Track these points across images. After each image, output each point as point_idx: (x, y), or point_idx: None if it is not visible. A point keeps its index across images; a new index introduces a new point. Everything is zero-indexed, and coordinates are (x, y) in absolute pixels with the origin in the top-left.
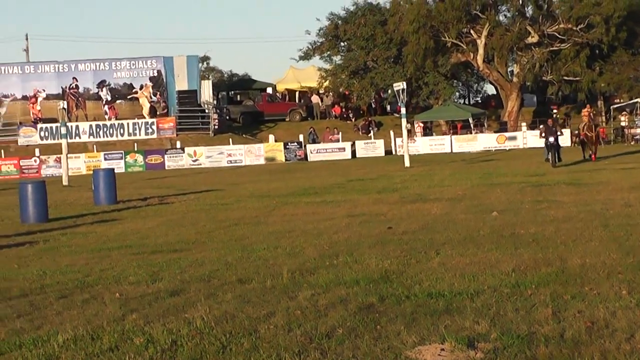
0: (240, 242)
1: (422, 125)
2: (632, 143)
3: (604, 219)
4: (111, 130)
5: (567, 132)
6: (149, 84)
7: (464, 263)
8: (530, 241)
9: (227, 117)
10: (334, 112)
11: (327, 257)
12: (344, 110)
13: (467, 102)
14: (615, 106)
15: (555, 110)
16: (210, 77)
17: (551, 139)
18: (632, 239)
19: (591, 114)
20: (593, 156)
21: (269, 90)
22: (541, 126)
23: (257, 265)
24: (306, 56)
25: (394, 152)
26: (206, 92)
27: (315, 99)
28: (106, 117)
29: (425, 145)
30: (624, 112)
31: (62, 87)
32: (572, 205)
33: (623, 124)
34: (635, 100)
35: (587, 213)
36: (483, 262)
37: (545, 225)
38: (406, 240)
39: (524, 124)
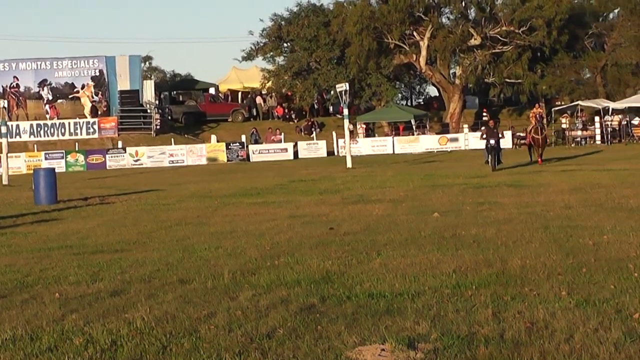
0: (182, 243)
1: (364, 126)
2: (572, 145)
3: (544, 221)
4: (52, 129)
5: (508, 134)
6: (91, 83)
7: (405, 264)
8: (471, 242)
9: (169, 117)
10: (276, 113)
11: (269, 258)
12: (286, 111)
13: (409, 103)
14: (557, 109)
15: (485, 113)
16: (152, 77)
17: (492, 142)
18: (572, 241)
19: (538, 115)
20: (539, 159)
21: (212, 90)
22: (482, 128)
23: (198, 266)
24: (249, 57)
25: (336, 153)
26: (148, 92)
27: (258, 99)
28: (47, 116)
29: (367, 146)
30: (565, 115)
31: (2, 86)
32: (513, 207)
33: (564, 126)
34: (576, 102)
35: (528, 215)
36: (424, 263)
37: (486, 226)
38: (348, 241)
39: (465, 125)
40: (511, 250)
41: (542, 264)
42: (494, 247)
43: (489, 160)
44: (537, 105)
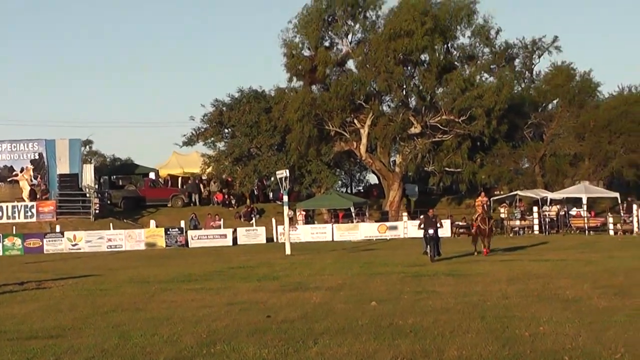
0: (118, 329)
1: (304, 213)
2: (510, 235)
3: (481, 311)
4: None
5: (447, 223)
6: (30, 166)
7: (342, 353)
8: (409, 332)
9: (109, 202)
10: (216, 199)
11: (205, 346)
12: (226, 196)
13: (349, 190)
14: (495, 198)
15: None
16: (92, 161)
17: (430, 231)
18: (509, 331)
19: (485, 205)
20: (485, 250)
21: (152, 175)
22: (421, 217)
23: (133, 353)
24: (190, 142)
25: (275, 240)
26: (88, 176)
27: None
28: None
29: (307, 233)
30: (504, 204)
31: None
32: (451, 296)
33: (502, 215)
34: (515, 192)
35: (465, 304)
36: (360, 352)
37: (423, 315)
38: (285, 329)
39: (405, 213)
40: (448, 340)
41: (478, 355)
42: (431, 336)
43: (427, 250)
44: (482, 193)
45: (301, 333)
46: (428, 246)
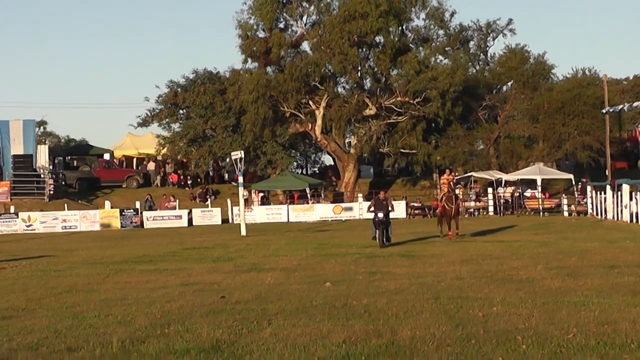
0: (71, 310)
1: (260, 194)
2: (466, 216)
3: (435, 292)
4: None
5: (402, 204)
6: None
7: (296, 334)
8: (362, 312)
9: (63, 183)
10: (171, 180)
11: (159, 326)
12: (181, 177)
13: (305, 172)
14: None
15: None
16: (46, 142)
17: (380, 215)
18: (462, 312)
19: (451, 182)
20: (450, 234)
21: (106, 156)
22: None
23: (87, 334)
24: (144, 123)
25: (231, 221)
26: (42, 157)
27: (152, 165)
28: None
29: (262, 214)
30: (459, 186)
31: None
32: (405, 277)
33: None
34: (470, 174)
35: (419, 285)
36: (314, 332)
37: (377, 296)
38: (239, 309)
39: (360, 195)
40: (402, 321)
41: (431, 335)
42: (384, 317)
43: (377, 235)
44: (447, 171)
45: (255, 314)
46: (377, 231)
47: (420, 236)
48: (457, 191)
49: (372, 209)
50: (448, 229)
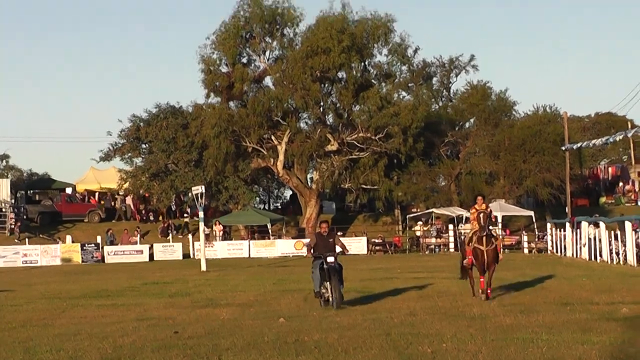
0: (24, 345)
1: (222, 228)
2: (426, 252)
3: (387, 327)
4: None
5: (363, 240)
6: None
7: None
8: (313, 348)
9: (25, 217)
10: (133, 214)
11: None
12: (143, 212)
13: (267, 207)
14: (411, 215)
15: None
16: (9, 175)
17: (329, 259)
18: (411, 348)
19: (482, 215)
20: (482, 283)
21: (69, 190)
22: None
23: None
24: (107, 157)
25: (192, 256)
26: (4, 191)
27: (127, 199)
28: None
29: (223, 249)
30: (420, 222)
31: None
32: (359, 313)
33: (418, 233)
34: (431, 210)
35: (372, 321)
36: None
37: (329, 332)
38: (190, 345)
39: None
40: (351, 357)
41: None
42: (334, 353)
43: (322, 290)
44: (479, 199)
45: (206, 349)
46: (325, 283)
47: (380, 272)
48: (492, 228)
49: (314, 250)
50: (482, 283)
